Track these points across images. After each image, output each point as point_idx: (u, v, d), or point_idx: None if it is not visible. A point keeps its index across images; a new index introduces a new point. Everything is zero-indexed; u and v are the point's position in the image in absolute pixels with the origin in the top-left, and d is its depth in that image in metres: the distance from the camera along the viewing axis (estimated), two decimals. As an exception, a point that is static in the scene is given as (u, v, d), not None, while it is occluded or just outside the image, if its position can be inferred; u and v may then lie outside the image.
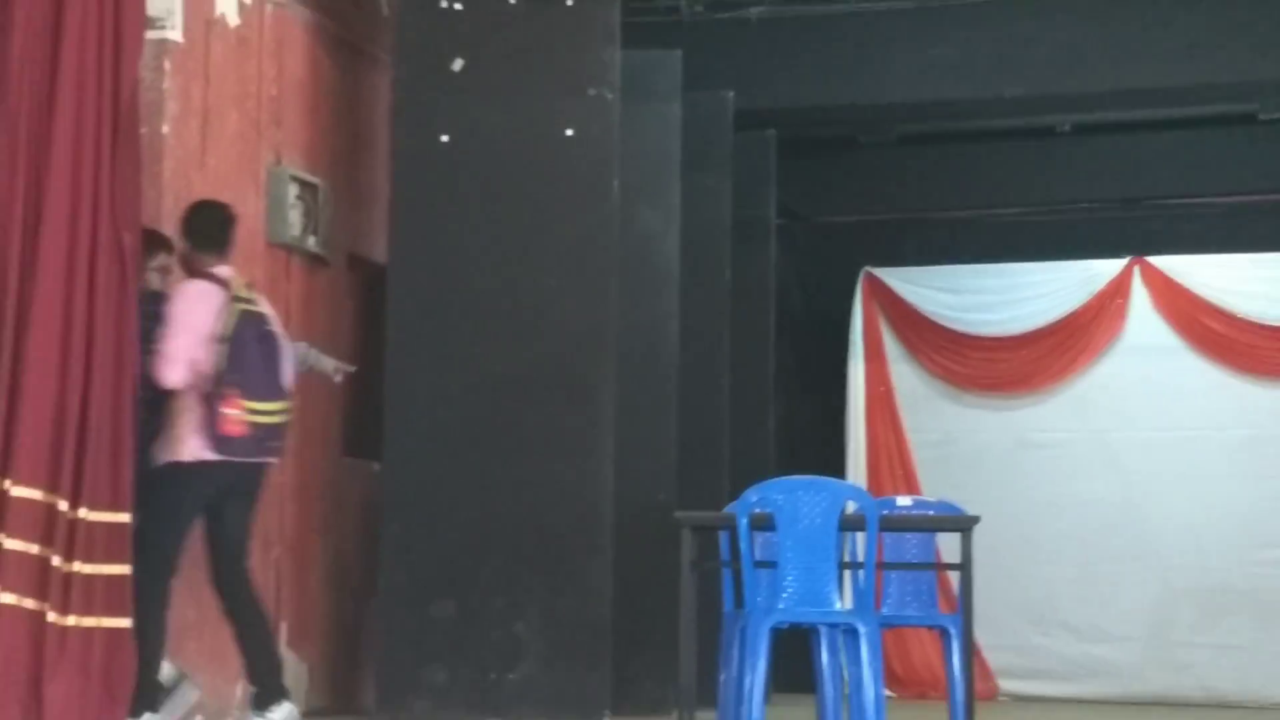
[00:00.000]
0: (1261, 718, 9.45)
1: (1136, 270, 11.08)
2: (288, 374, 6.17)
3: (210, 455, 5.88)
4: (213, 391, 5.84)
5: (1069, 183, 11.24)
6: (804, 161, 10.84)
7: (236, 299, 6.01)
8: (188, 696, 6.04)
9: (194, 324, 5.85)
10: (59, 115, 5.39)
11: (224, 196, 6.95)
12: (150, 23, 6.58)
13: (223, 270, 6.10)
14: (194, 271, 6.11)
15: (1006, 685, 10.77)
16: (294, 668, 7.61)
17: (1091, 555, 10.83)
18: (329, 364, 6.91)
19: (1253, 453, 10.72)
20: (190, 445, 5.85)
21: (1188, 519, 10.72)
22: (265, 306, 6.20)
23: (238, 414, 5.85)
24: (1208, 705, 10.31)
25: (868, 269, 11.51)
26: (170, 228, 6.54)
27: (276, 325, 6.17)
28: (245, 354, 5.92)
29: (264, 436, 5.99)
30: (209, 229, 6.20)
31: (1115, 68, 9.34)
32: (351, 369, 7.07)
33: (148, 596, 5.60)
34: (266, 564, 7.38)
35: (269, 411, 5.98)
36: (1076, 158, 11.16)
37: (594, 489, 7.44)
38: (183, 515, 5.82)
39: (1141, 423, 10.94)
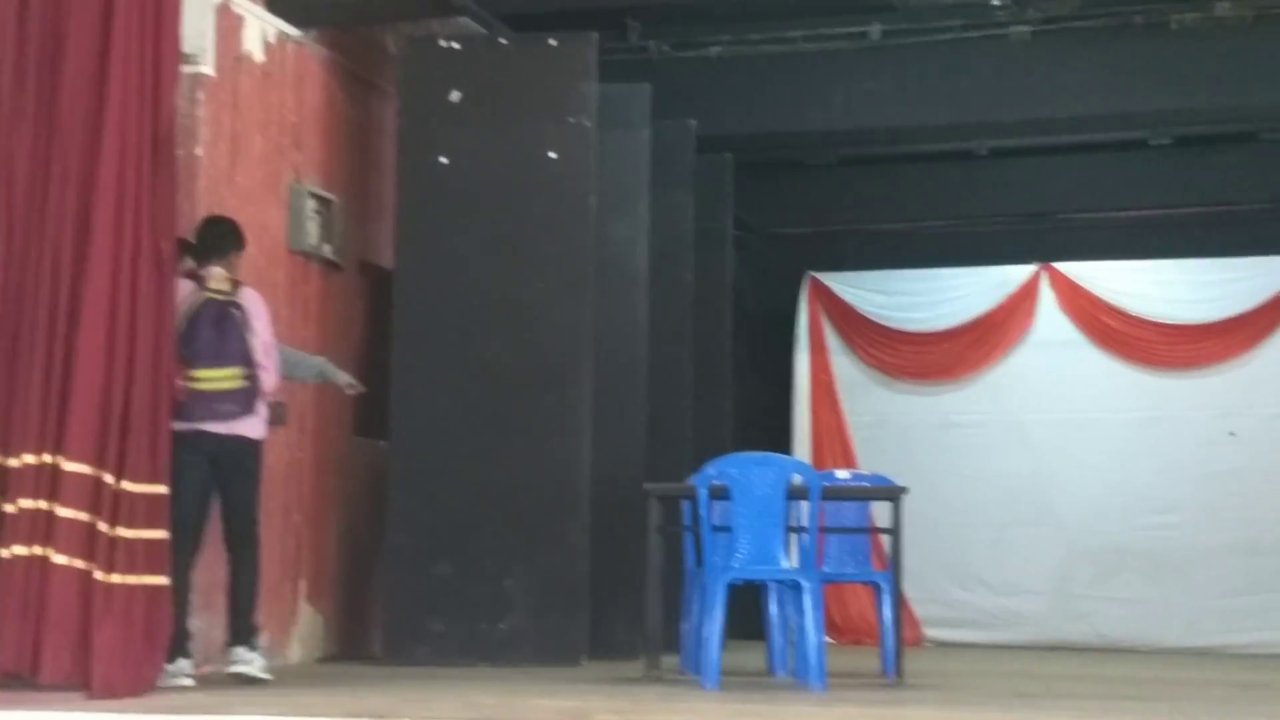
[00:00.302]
0: (1149, 660, 9.49)
1: (1044, 275, 11.13)
2: (252, 348, 6.01)
3: (176, 425, 5.72)
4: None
5: (986, 199, 11.25)
6: (757, 180, 10.83)
7: (207, 289, 5.98)
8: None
9: None
10: (106, 139, 5.33)
11: (250, 211, 6.93)
12: (186, 59, 6.53)
13: (210, 270, 6.05)
14: (190, 271, 6.11)
15: (931, 633, 10.80)
16: (311, 619, 7.59)
17: (1004, 520, 10.87)
18: (343, 379, 6.86)
19: (1144, 432, 10.78)
20: None
21: (1087, 489, 10.78)
22: (244, 299, 6.07)
23: (181, 382, 5.75)
24: (1103, 649, 10.36)
25: (811, 273, 11.53)
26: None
27: (246, 312, 6.03)
28: (198, 331, 5.87)
29: (213, 399, 5.89)
30: (204, 239, 6.19)
31: (1026, 100, 9.34)
32: (363, 388, 6.99)
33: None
34: (287, 529, 7.35)
35: (214, 378, 5.88)
36: (992, 178, 11.17)
37: (573, 464, 7.43)
38: (179, 481, 5.62)
39: (1048, 406, 10.98)
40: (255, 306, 6.13)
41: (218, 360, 5.93)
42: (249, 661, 5.96)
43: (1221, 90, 9.12)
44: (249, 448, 6.09)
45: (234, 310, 6.00)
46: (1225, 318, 10.73)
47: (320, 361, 6.80)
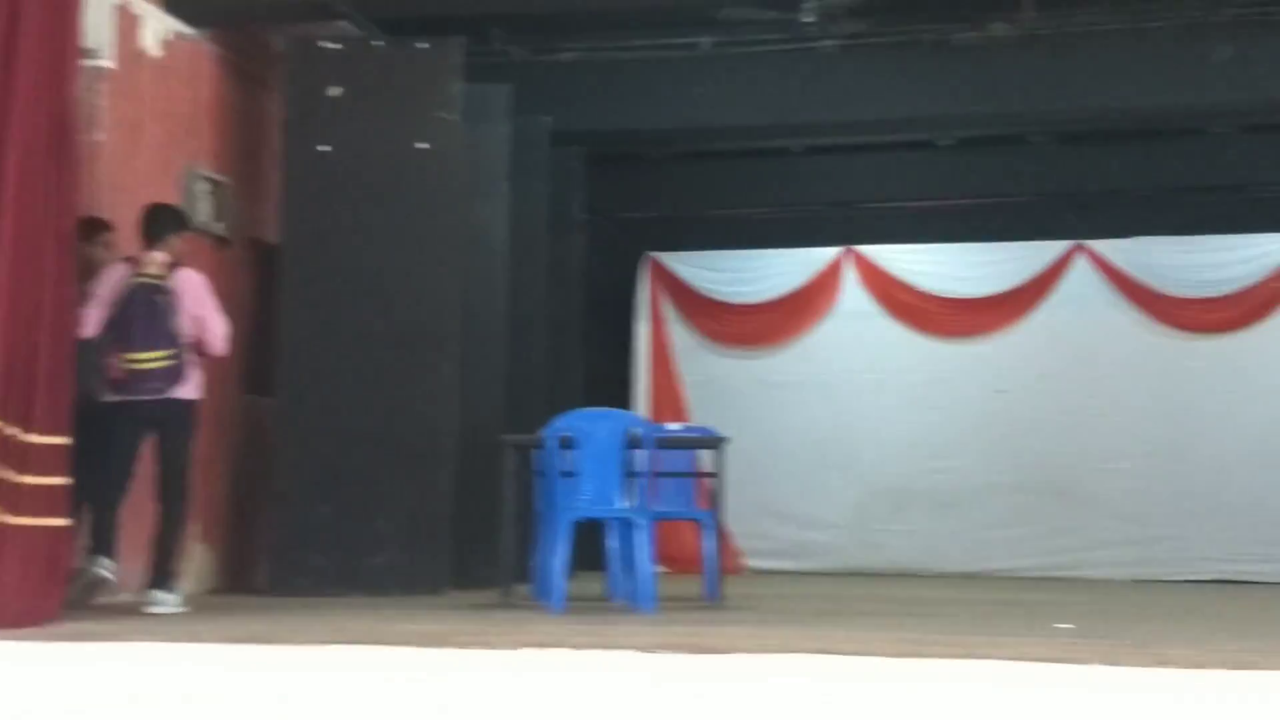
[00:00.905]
0: (931, 582, 9.76)
1: (848, 256, 11.32)
2: (177, 331, 5.94)
3: (108, 397, 5.79)
4: (108, 347, 5.77)
5: (799, 190, 11.35)
6: (604, 171, 10.79)
7: (140, 274, 5.86)
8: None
9: (95, 293, 5.81)
10: (13, 126, 5.13)
11: (148, 192, 6.73)
12: (89, 53, 6.34)
13: (149, 254, 5.96)
14: (129, 256, 6.02)
15: (750, 562, 10.93)
16: (204, 556, 7.45)
17: (812, 465, 11.06)
18: None
19: (928, 390, 11.04)
20: (100, 391, 5.79)
21: (882, 438, 11.01)
22: (175, 282, 5.97)
23: (117, 363, 5.80)
24: (894, 574, 10.60)
25: (651, 253, 11.56)
26: (106, 216, 6.37)
27: (173, 295, 5.93)
28: (130, 314, 5.81)
29: (143, 379, 5.85)
30: (146, 227, 6.09)
31: (833, 105, 9.45)
32: None
33: (101, 492, 5.70)
34: (183, 476, 7.20)
35: (143, 360, 5.84)
36: (805, 171, 11.27)
37: (441, 418, 7.40)
38: (111, 442, 5.69)
39: (850, 368, 11.17)
40: (186, 286, 6.00)
41: (149, 344, 5.86)
42: (163, 603, 5.90)
43: (996, 99, 9.33)
44: (183, 407, 6.03)
45: (159, 296, 5.89)
46: (998, 293, 11.02)
47: None
